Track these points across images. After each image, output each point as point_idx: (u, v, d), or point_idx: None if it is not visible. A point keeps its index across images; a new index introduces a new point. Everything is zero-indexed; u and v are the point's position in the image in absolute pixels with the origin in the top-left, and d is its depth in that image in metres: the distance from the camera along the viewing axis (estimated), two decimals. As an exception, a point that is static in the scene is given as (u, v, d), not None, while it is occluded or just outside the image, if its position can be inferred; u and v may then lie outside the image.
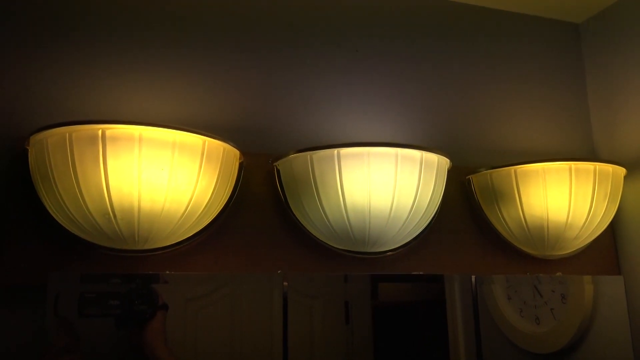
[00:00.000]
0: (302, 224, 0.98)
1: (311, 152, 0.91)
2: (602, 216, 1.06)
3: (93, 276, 0.81)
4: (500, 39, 1.30)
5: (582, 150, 1.30)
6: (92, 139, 0.76)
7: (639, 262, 1.16)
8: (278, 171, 0.99)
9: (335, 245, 1.00)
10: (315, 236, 0.99)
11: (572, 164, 1.02)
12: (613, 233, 1.22)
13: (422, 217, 0.96)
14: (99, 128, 0.76)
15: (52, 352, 0.77)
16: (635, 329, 1.16)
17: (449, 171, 1.01)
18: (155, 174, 0.78)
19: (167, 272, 0.87)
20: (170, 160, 0.79)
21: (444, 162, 0.98)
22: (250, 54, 1.09)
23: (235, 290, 0.91)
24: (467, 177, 1.13)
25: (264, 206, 0.99)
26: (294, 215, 0.98)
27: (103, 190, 0.76)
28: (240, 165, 0.96)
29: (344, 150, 0.89)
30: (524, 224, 1.06)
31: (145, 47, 1.01)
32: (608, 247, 1.21)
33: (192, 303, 0.89)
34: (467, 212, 1.12)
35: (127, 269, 0.87)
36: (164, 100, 1.00)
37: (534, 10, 1.34)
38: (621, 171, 1.09)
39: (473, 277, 1.03)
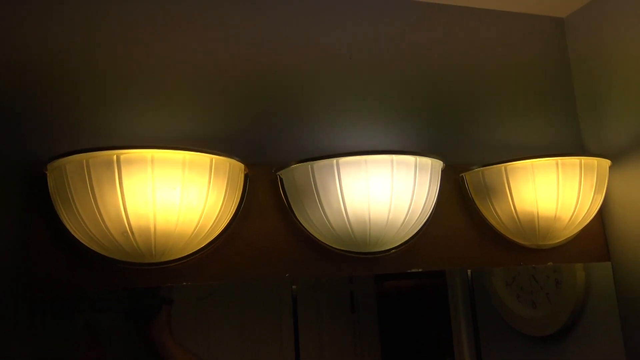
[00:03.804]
0: (306, 229, 1.04)
1: (311, 162, 0.96)
2: (589, 206, 1.11)
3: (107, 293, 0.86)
4: (487, 38, 1.33)
5: (571, 143, 1.33)
6: (108, 164, 0.81)
7: (626, 247, 1.21)
8: (281, 180, 1.04)
9: (338, 247, 1.05)
10: (319, 240, 1.04)
11: (559, 159, 1.07)
12: (602, 221, 1.26)
13: (419, 216, 1.01)
14: (114, 153, 0.81)
15: None
16: (623, 310, 1.21)
17: (443, 170, 1.06)
18: (168, 192, 0.83)
19: (184, 283, 0.93)
20: (181, 178, 0.84)
21: (437, 164, 1.03)
22: (250, 70, 1.13)
23: (246, 291, 0.97)
24: (460, 175, 1.18)
25: (270, 214, 1.04)
26: (298, 221, 1.04)
27: (121, 210, 0.81)
28: (246, 176, 1.01)
29: (343, 160, 0.94)
30: (516, 217, 1.11)
31: (151, 73, 1.06)
32: (597, 234, 1.25)
33: (203, 302, 0.94)
34: (462, 208, 1.17)
35: (144, 280, 0.93)
36: (173, 118, 1.05)
37: (518, 7, 1.36)
38: (606, 163, 1.13)
39: (469, 271, 1.08)
